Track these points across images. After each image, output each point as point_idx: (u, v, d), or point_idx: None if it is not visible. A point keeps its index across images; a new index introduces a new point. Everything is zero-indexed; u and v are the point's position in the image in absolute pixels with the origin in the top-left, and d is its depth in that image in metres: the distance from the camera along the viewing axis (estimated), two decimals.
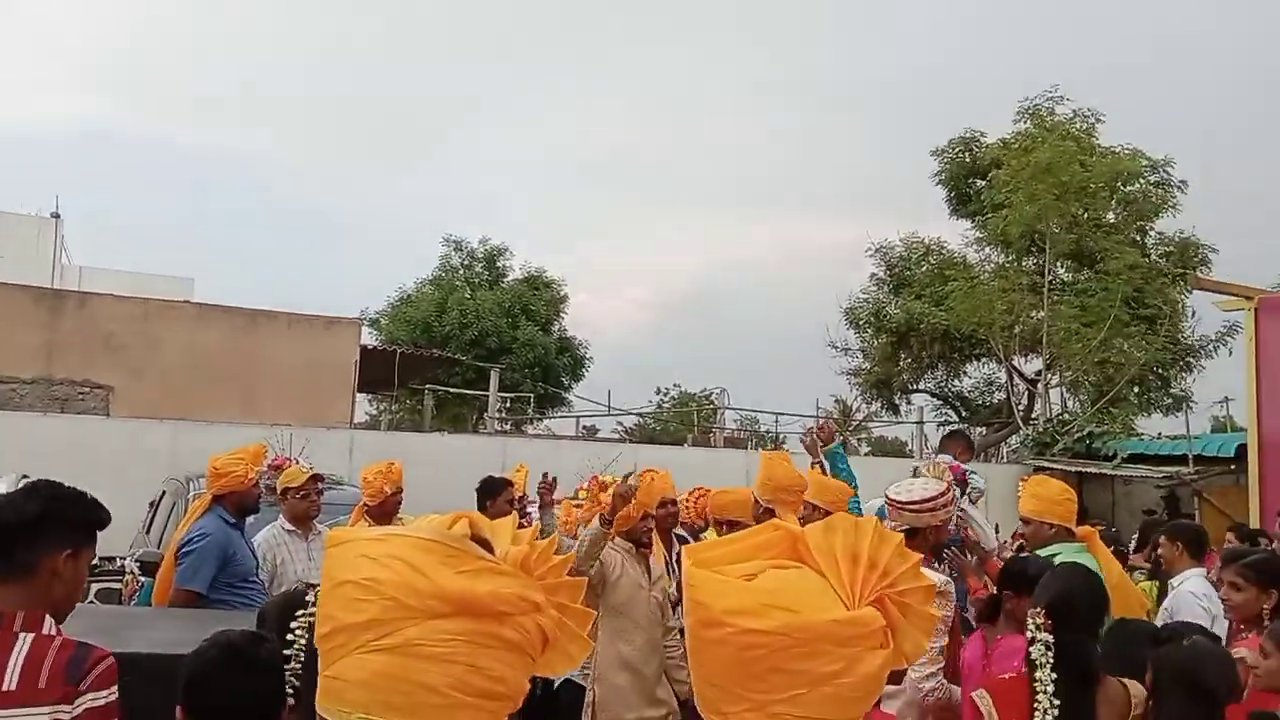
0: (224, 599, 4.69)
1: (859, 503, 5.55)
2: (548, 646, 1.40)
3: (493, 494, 6.17)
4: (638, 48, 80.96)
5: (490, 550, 1.43)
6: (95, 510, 2.40)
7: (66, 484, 2.43)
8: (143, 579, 5.56)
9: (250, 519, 5.18)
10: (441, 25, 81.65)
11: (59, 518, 2.29)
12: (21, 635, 2.19)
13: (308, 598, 2.29)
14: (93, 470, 6.76)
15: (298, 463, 5.93)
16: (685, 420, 29.50)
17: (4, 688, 2.12)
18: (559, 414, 27.25)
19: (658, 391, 36.63)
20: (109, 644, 2.33)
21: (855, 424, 32.42)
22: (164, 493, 8.30)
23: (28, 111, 69.24)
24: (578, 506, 6.45)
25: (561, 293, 28.78)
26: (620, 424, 29.10)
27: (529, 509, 7.99)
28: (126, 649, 2.34)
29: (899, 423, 25.34)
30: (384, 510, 5.70)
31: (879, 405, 24.83)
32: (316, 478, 5.50)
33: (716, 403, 24.30)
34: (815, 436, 6.01)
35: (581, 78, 79.36)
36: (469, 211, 73.61)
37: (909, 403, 24.09)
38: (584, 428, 27.27)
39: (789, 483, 5.17)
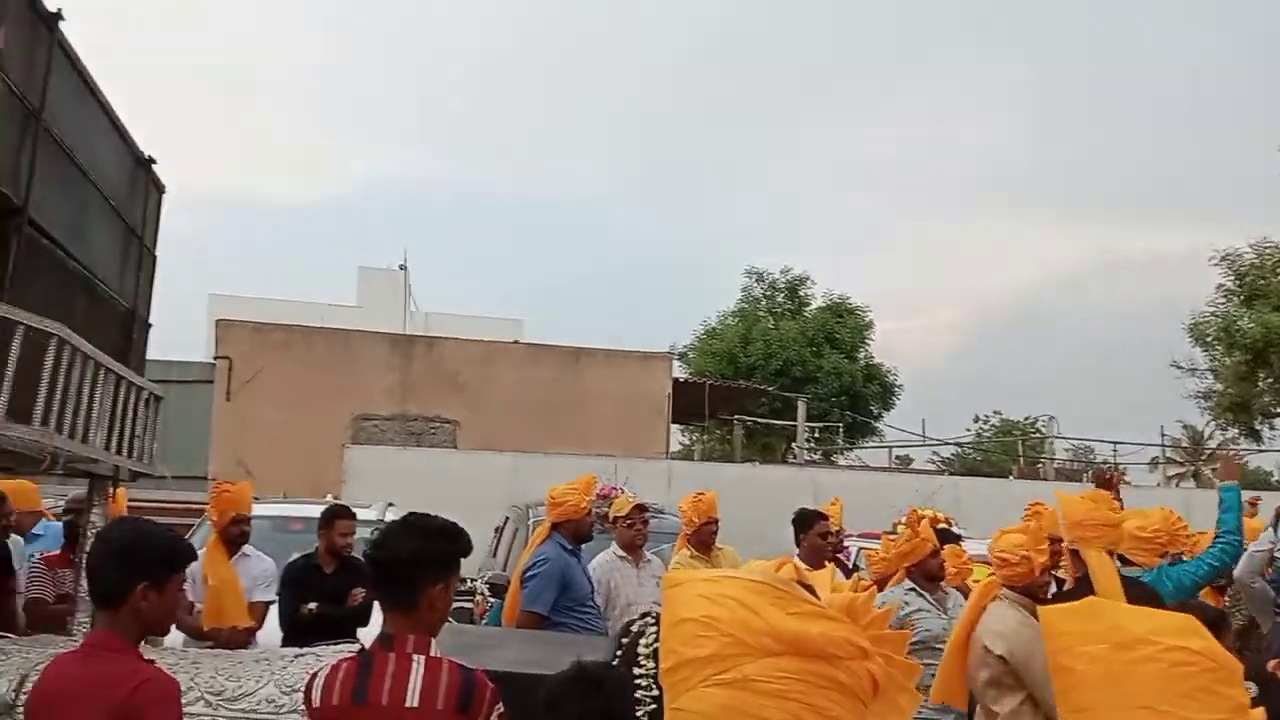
0: (564, 621, 5.01)
1: (1232, 546, 4.87)
2: (877, 694, 1.40)
3: (807, 526, 6.14)
4: (923, 61, 78.40)
5: (814, 595, 1.45)
6: (460, 541, 2.63)
7: (434, 516, 2.65)
8: (492, 600, 6.04)
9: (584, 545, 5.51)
10: (732, 60, 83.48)
11: (432, 554, 2.54)
12: (415, 658, 2.46)
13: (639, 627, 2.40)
14: (444, 497, 7.47)
15: (624, 493, 6.23)
16: (1009, 450, 27.91)
17: (407, 704, 2.39)
18: (870, 444, 26.70)
19: (976, 419, 35.00)
20: (466, 662, 2.57)
21: (1208, 453, 29.20)
22: (507, 519, 9.01)
23: (376, 171, 78.34)
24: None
25: (866, 319, 28.27)
26: (936, 454, 28.05)
27: (845, 543, 7.90)
28: (482, 668, 2.58)
29: (1263, 450, 22.51)
30: (700, 538, 5.88)
31: (1236, 431, 22.18)
32: (640, 507, 5.76)
33: (1044, 431, 22.79)
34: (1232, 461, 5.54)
35: (868, 94, 78.00)
36: (769, 241, 74.29)
37: (1272, 428, 21.36)
38: (897, 458, 26.54)
39: (1091, 518, 4.56)
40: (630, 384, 17.83)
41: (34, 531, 6.09)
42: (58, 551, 5.46)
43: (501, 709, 2.47)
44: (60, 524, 6.41)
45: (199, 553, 5.39)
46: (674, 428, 22.23)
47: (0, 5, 3.22)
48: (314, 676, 2.56)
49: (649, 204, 79.50)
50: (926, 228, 72.95)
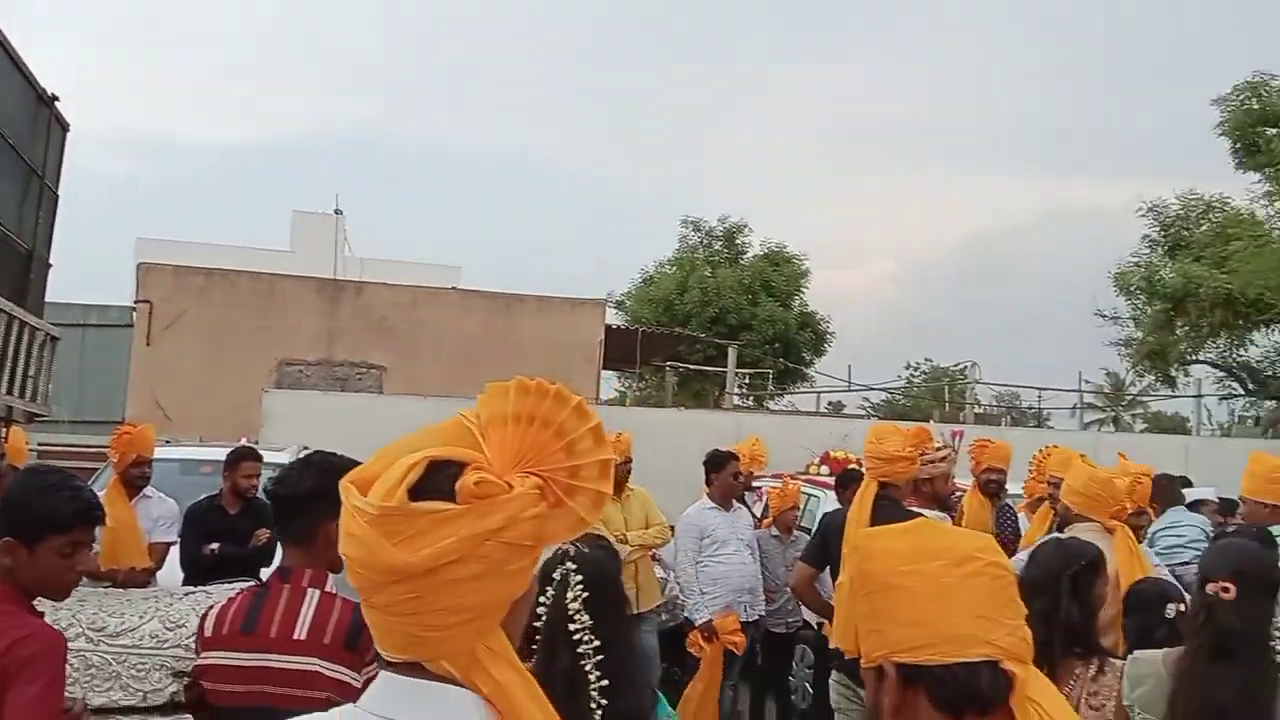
0: None
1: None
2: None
3: (718, 467, 6.25)
4: (863, 13, 78.34)
5: None
6: None
7: (337, 455, 2.55)
8: None
9: None
10: (676, 12, 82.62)
11: (330, 491, 2.44)
12: (310, 591, 2.42)
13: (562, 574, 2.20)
14: (365, 442, 7.39)
15: None
16: (936, 395, 28.50)
17: (295, 636, 2.35)
18: (801, 390, 27.04)
19: (907, 366, 35.62)
20: None
21: (1128, 399, 30.04)
22: None
23: (311, 116, 76.50)
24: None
25: (802, 268, 28.43)
26: (866, 400, 28.52)
27: (757, 482, 8.01)
28: None
29: (1176, 396, 23.31)
30: (615, 478, 6.02)
31: (1153, 378, 22.91)
32: None
33: (969, 376, 23.27)
34: None
35: (807, 45, 77.85)
36: (711, 192, 74.26)
37: (1187, 375, 22.08)
38: (829, 404, 26.93)
39: (896, 451, 4.56)
40: (563, 330, 17.77)
41: None
42: None
43: None
44: None
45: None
46: (607, 374, 22.27)
47: None
48: (210, 608, 2.53)
49: (596, 156, 78.90)
50: (864, 176, 73.39)
